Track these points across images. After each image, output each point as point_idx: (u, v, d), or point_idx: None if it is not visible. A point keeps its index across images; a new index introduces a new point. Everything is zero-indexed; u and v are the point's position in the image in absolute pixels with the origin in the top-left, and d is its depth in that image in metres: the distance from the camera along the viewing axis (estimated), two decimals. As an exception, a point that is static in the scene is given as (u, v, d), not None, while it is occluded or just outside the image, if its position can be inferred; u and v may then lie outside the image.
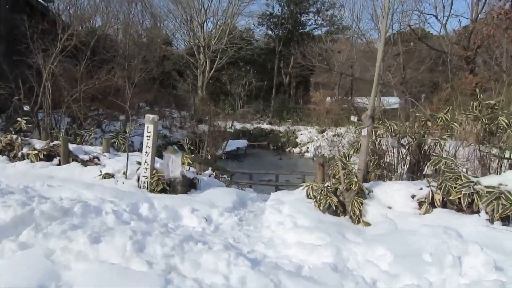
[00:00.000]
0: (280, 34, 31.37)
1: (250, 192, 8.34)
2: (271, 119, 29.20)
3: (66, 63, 8.77)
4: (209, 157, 9.76)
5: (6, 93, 7.99)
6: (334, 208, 5.55)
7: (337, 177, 5.69)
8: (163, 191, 6.33)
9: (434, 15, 18.82)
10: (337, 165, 6.06)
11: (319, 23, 33.49)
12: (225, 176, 9.74)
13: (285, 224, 5.21)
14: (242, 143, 24.65)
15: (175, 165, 6.48)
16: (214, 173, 9.33)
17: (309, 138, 25.90)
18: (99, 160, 7.13)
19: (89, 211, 4.54)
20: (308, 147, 24.97)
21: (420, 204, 5.19)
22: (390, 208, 5.33)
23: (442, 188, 5.13)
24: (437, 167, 5.54)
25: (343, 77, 28.28)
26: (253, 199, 7.28)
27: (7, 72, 8.79)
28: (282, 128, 27.52)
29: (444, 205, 5.15)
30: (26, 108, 8.18)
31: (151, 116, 6.36)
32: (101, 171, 6.47)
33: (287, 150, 26.04)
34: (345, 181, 5.55)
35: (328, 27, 32.38)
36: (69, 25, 9.47)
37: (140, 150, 7.93)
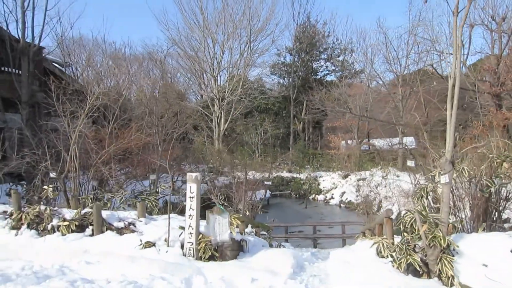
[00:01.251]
0: (293, 81, 31.51)
1: (301, 250, 7.52)
2: (290, 167, 28.52)
3: (93, 124, 8.40)
4: (247, 213, 9.08)
5: (32, 160, 7.52)
6: (418, 268, 4.74)
7: (418, 232, 4.92)
8: (211, 258, 5.59)
9: (451, 54, 18.58)
10: (409, 217, 5.33)
11: (331, 69, 33.85)
12: (265, 233, 8.95)
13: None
14: (264, 193, 23.86)
15: (222, 227, 5.78)
16: (254, 231, 8.60)
17: (332, 184, 25.00)
18: (135, 226, 6.45)
19: (141, 294, 3.83)
20: (332, 194, 24.01)
21: (524, 258, 4.39)
22: (485, 265, 4.51)
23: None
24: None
25: (358, 120, 27.90)
26: (309, 259, 6.48)
27: (30, 138, 8.43)
28: (303, 176, 26.75)
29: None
30: (52, 174, 7.66)
31: (193, 174, 5.76)
32: (141, 240, 5.78)
33: (310, 197, 25.09)
34: (427, 236, 4.79)
35: (341, 72, 32.55)
36: (89, 87, 9.25)
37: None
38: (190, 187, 5.70)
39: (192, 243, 5.62)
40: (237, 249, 5.92)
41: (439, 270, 4.59)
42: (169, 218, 5.91)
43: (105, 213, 6.49)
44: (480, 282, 4.28)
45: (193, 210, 5.67)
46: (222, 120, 28.06)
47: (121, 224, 6.44)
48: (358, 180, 23.27)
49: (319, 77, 33.62)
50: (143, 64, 28.12)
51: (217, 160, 26.48)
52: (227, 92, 27.47)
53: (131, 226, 6.44)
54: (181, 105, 24.94)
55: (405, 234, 5.43)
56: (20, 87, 10.13)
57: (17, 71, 11.41)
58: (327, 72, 34.28)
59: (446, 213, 4.80)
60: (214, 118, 27.99)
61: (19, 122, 10.59)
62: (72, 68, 18.81)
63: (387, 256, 5.22)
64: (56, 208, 6.73)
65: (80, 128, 7.01)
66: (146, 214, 6.98)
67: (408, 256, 4.75)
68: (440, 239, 4.60)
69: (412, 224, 5.27)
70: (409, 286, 4.34)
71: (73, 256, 5.33)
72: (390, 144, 31.88)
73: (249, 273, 4.96)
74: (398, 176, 21.28)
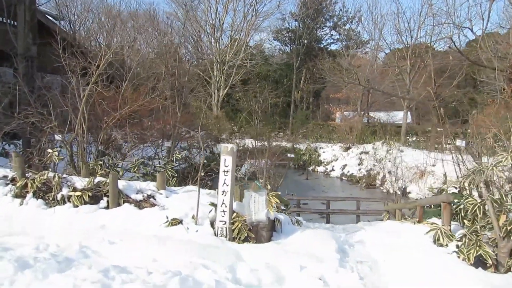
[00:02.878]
0: (297, 49, 30.32)
1: (336, 231, 6.96)
2: (290, 137, 27.92)
3: (108, 83, 7.52)
4: (268, 187, 8.47)
5: (36, 120, 6.68)
6: (490, 261, 4.20)
7: (489, 221, 4.34)
8: (245, 239, 4.99)
9: (469, 28, 17.69)
10: (471, 203, 4.75)
11: (336, 37, 32.64)
12: (285, 208, 8.38)
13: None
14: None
15: (259, 206, 5.14)
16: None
17: (333, 156, 24.55)
18: (155, 199, 5.77)
19: (188, 286, 3.20)
20: (333, 166, 23.59)
21: None
22: None
23: None
24: None
25: (362, 92, 27.16)
26: (347, 241, 5.92)
27: (28, 95, 7.54)
28: (302, 146, 26.21)
29: None
30: (58, 137, 6.85)
31: (229, 145, 5.05)
32: (167, 217, 5.11)
33: (310, 169, 24.65)
34: (501, 227, 4.22)
35: (346, 42, 31.40)
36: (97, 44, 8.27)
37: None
38: (225, 159, 5.00)
39: (225, 222, 4.98)
40: (271, 229, 5.32)
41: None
42: (199, 191, 5.22)
43: (121, 184, 5.77)
44: None
45: (227, 185, 4.99)
46: (222, 85, 27.04)
47: (139, 197, 5.75)
48: (361, 153, 22.85)
49: (323, 45, 32.43)
50: (149, 23, 26.60)
51: (216, 126, 25.70)
52: (228, 55, 26.27)
53: (151, 199, 5.75)
54: (181, 68, 23.82)
55: (466, 222, 4.89)
56: (16, 38, 9.09)
57: (12, 22, 10.33)
58: (331, 40, 33.15)
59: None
60: (213, 82, 26.92)
61: (13, 76, 9.63)
62: (68, 22, 17.49)
63: (446, 245, 4.67)
64: (65, 176, 5.98)
65: (92, 86, 6.13)
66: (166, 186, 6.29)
67: (478, 248, 4.20)
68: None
69: (475, 212, 4.72)
70: (491, 283, 3.78)
71: (90, 233, 4.66)
72: (390, 117, 31.43)
73: (294, 259, 4.37)
74: (402, 151, 20.89)
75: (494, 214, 4.24)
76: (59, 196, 5.54)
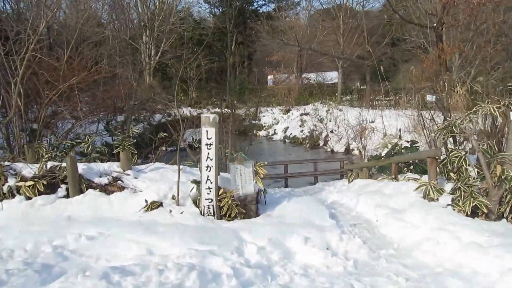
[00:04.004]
0: (229, 12, 29.15)
1: (298, 194, 6.82)
2: (228, 103, 27.37)
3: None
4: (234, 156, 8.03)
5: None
6: (485, 211, 4.28)
7: (481, 173, 4.39)
8: (234, 216, 4.60)
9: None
10: (456, 156, 4.79)
11: (267, -1, 31.86)
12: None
13: (441, 242, 3.84)
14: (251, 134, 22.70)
15: (246, 178, 4.75)
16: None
17: (273, 120, 24.61)
18: (122, 181, 5.10)
19: (208, 280, 2.79)
20: (275, 129, 23.69)
21: None
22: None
23: None
24: None
25: (298, 53, 27.21)
26: (333, 206, 5.80)
27: None
28: (242, 112, 25.87)
29: None
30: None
31: (211, 116, 4.52)
32: (146, 201, 4.51)
33: (250, 134, 24.52)
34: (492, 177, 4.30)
35: (278, 3, 30.82)
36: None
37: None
38: (207, 131, 4.48)
39: (212, 200, 4.54)
40: (257, 202, 4.99)
41: (509, 211, 4.18)
42: (179, 169, 4.67)
43: (79, 166, 4.99)
44: None
45: (211, 160, 4.51)
46: (153, 52, 25.37)
47: (104, 180, 5.04)
48: (301, 114, 23.12)
49: (255, 7, 31.60)
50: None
51: (150, 96, 24.23)
52: (156, 20, 24.50)
53: (118, 182, 5.08)
54: (105, 34, 21.73)
55: (452, 174, 4.94)
56: None
57: None
58: (263, 2, 32.33)
59: (513, 151, 4.32)
60: (143, 50, 25.12)
61: None
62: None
63: (437, 199, 4.71)
64: (7, 163, 5.03)
65: (29, 56, 5.08)
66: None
67: (472, 199, 4.25)
68: (508, 179, 4.13)
69: (461, 164, 4.77)
70: (493, 230, 3.84)
71: (57, 228, 3.94)
72: (322, 78, 32.12)
73: (294, 231, 4.11)
74: (341, 110, 21.49)
75: (485, 165, 4.29)
76: (5, 188, 4.65)
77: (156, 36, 24.42)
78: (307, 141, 20.42)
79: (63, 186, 4.84)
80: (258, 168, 4.91)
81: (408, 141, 9.95)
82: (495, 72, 14.42)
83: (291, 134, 22.11)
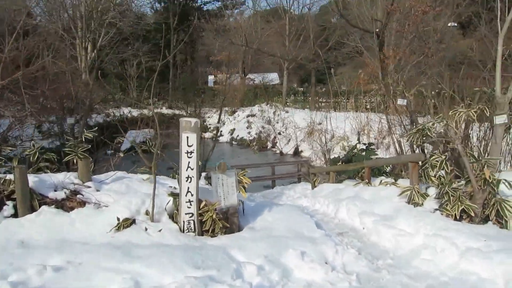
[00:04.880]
0: (173, 8, 28.06)
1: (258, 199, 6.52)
2: (170, 103, 26.41)
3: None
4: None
5: None
6: (473, 214, 4.28)
7: (466, 177, 4.38)
8: (216, 231, 4.16)
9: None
10: (437, 160, 4.80)
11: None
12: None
13: (439, 249, 3.77)
14: (147, 133, 21.55)
15: (228, 189, 4.33)
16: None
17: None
18: (82, 195, 4.42)
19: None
20: (221, 131, 23.21)
21: None
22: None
23: None
24: None
25: (244, 54, 26.99)
26: (311, 213, 5.56)
27: None
28: (185, 112, 25.07)
29: None
30: None
31: (192, 120, 4.04)
32: (118, 219, 3.91)
33: (214, 138, 23.88)
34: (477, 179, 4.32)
35: (222, 2, 30.33)
36: None
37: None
38: (188, 138, 4.00)
39: (193, 214, 4.07)
40: (238, 213, 4.60)
41: (495, 214, 4.21)
42: (154, 180, 4.13)
43: (29, 179, 4.23)
44: None
45: (192, 169, 4.03)
46: (89, 47, 23.60)
47: (60, 194, 4.33)
48: (248, 116, 22.92)
49: (199, 4, 30.81)
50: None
51: (86, 95, 22.53)
52: (94, 13, 22.83)
53: (78, 196, 4.40)
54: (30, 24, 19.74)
55: (433, 178, 4.93)
56: None
57: None
58: (207, 0, 31.62)
59: (497, 154, 4.38)
60: (78, 44, 23.26)
61: None
62: None
63: (422, 204, 4.66)
64: None
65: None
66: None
67: (459, 203, 4.23)
68: (494, 182, 4.17)
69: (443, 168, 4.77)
70: (477, 231, 3.83)
71: (10, 257, 3.24)
72: (264, 79, 32.25)
73: (287, 245, 3.80)
74: (287, 112, 21.62)
75: (470, 169, 4.30)
76: None
77: (94, 29, 22.75)
78: (255, 143, 20.25)
79: (10, 203, 4.07)
80: (241, 177, 4.52)
81: (364, 144, 10.09)
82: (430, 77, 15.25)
83: (238, 136, 21.81)
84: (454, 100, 9.34)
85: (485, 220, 4.35)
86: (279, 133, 19.85)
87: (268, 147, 19.98)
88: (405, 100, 6.02)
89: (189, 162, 4.01)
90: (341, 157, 9.86)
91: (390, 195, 5.04)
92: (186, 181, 4.03)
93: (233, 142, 21.77)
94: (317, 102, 23.50)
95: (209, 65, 32.45)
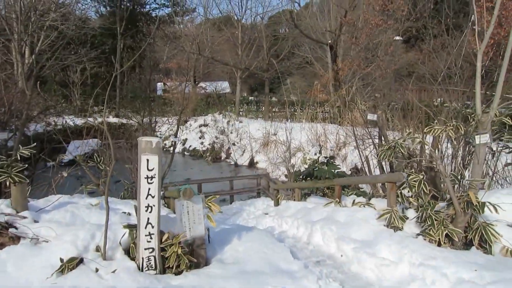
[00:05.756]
0: (120, 13, 26.68)
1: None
2: (118, 111, 25.07)
3: None
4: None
5: None
6: (457, 239, 4.07)
7: (450, 200, 4.18)
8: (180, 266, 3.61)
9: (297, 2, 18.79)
10: (416, 180, 4.60)
11: (161, 2, 30.05)
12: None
13: (429, 281, 3.49)
14: (93, 143, 20.15)
15: (194, 218, 3.80)
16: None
17: (170, 131, 23.14)
18: (16, 228, 3.67)
19: None
20: (172, 141, 22.29)
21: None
22: (511, 226, 4.17)
23: None
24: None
25: (195, 61, 26.33)
26: (280, 237, 5.13)
27: None
28: (135, 121, 23.88)
29: None
30: None
31: (153, 140, 3.46)
32: (62, 260, 3.22)
33: (171, 151, 22.79)
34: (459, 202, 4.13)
35: (174, 8, 29.38)
36: None
37: None
38: (148, 160, 3.42)
39: (153, 249, 3.48)
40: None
41: (479, 238, 4.03)
42: (107, 213, 3.49)
43: None
44: None
45: (153, 197, 3.46)
46: (27, 51, 21.81)
47: (-12, 229, 3.56)
48: (200, 125, 22.25)
49: (147, 9, 29.63)
50: None
51: (23, 103, 20.71)
52: (33, 15, 21.12)
53: (11, 230, 3.64)
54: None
55: (410, 200, 4.72)
56: None
57: None
58: (156, 6, 30.55)
59: (479, 176, 4.22)
60: (14, 47, 21.37)
61: None
62: None
63: (402, 228, 4.40)
64: None
65: None
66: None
67: (443, 227, 4.02)
68: (478, 205, 4.00)
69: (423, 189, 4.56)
70: (476, 263, 3.59)
71: None
72: (215, 89, 31.79)
73: (267, 283, 3.34)
74: (241, 122, 21.24)
75: (453, 191, 4.11)
76: None
77: (32, 32, 21.05)
78: (208, 154, 19.62)
79: None
80: (210, 203, 3.99)
81: (325, 157, 9.91)
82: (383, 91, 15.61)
83: (190, 146, 21.06)
84: (406, 113, 9.41)
85: (467, 244, 4.17)
86: (234, 144, 19.39)
87: (222, 158, 19.43)
88: (376, 115, 5.81)
89: (149, 189, 3.43)
90: (302, 171, 9.60)
91: (366, 217, 4.75)
92: (146, 211, 3.44)
93: (185, 153, 20.96)
94: (271, 112, 23.35)
95: (158, 73, 31.39)
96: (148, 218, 3.45)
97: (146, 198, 3.43)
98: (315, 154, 15.77)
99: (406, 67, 16.34)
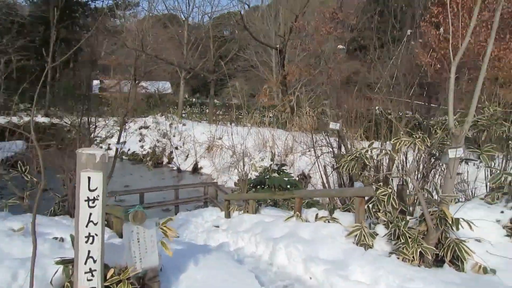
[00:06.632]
0: (54, 2, 24.40)
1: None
2: (47, 110, 23.01)
3: None
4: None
5: None
6: (430, 257, 3.85)
7: (425, 214, 3.95)
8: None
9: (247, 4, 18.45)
10: (385, 194, 4.36)
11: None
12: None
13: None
14: (18, 145, 18.16)
15: (146, 246, 3.18)
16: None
17: (107, 133, 21.62)
18: None
19: None
20: (109, 144, 20.81)
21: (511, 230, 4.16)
22: (479, 241, 4.05)
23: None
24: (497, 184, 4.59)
25: (135, 59, 24.94)
26: (241, 258, 4.62)
27: None
28: (67, 121, 22.01)
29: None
30: None
31: (97, 153, 2.80)
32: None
33: (80, 150, 21.02)
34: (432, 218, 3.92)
35: (113, 0, 27.55)
36: None
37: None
38: (89, 179, 2.74)
39: (95, 288, 2.81)
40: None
41: (452, 256, 3.83)
42: (34, 243, 2.76)
43: None
44: (489, 259, 3.79)
45: (95, 225, 2.79)
46: None
47: None
48: (141, 128, 21.03)
49: (85, 0, 27.50)
50: None
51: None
52: None
53: None
54: None
55: (379, 215, 4.46)
56: None
57: None
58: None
59: (451, 191, 4.04)
60: None
61: None
62: None
63: (372, 245, 4.11)
64: None
65: None
66: None
67: (417, 246, 3.78)
68: (453, 222, 3.81)
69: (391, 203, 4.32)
70: (453, 283, 3.37)
71: None
72: (158, 89, 30.54)
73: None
74: (184, 125, 20.42)
75: (425, 206, 3.88)
76: None
77: None
78: (149, 158, 18.53)
79: None
80: (165, 227, 3.37)
81: (277, 164, 9.57)
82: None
83: (129, 150, 19.78)
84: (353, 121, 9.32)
85: (437, 261, 3.98)
86: (176, 148, 18.50)
87: (164, 163, 18.44)
88: (338, 124, 5.53)
89: (91, 214, 2.76)
90: (253, 179, 9.15)
91: (333, 234, 4.40)
92: (87, 241, 2.76)
93: (124, 157, 19.64)
94: (216, 115, 22.74)
95: (95, 69, 29.40)
96: (89, 251, 2.78)
97: (87, 226, 2.75)
98: (262, 159, 15.49)
99: (352, 76, 16.65)
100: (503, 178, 4.45)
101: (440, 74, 10.12)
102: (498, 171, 4.57)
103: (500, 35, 8.49)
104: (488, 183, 4.89)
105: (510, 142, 4.77)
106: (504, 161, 4.87)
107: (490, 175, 4.91)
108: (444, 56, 9.51)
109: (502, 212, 4.28)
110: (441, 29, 10.25)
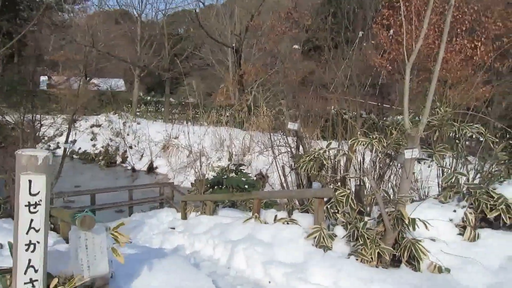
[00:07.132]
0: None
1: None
2: (-9, 106, 21.40)
3: None
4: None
5: None
6: (387, 258, 3.91)
7: (383, 214, 4.00)
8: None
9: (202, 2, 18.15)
10: (344, 195, 4.41)
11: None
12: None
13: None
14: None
15: (95, 252, 2.96)
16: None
17: (56, 131, 20.51)
18: None
19: None
20: (58, 142, 19.75)
21: (463, 228, 4.32)
22: (433, 240, 4.19)
23: (477, 207, 4.43)
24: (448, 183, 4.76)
25: (84, 55, 23.87)
26: (197, 262, 4.46)
27: None
28: (12, 118, 20.63)
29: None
30: None
31: (40, 154, 2.56)
32: None
33: (26, 147, 19.79)
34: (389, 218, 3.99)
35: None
36: None
37: None
38: (30, 182, 2.50)
39: (37, 301, 2.57)
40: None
41: (408, 255, 3.92)
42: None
43: None
44: (443, 258, 3.92)
45: (37, 231, 2.56)
46: None
47: None
48: (92, 126, 20.14)
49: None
50: None
51: None
52: None
53: None
54: None
55: (338, 216, 4.48)
56: None
57: None
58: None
59: (407, 191, 4.13)
60: None
61: None
62: None
63: (331, 247, 4.11)
64: None
65: None
66: None
67: (375, 247, 3.83)
68: (409, 222, 3.90)
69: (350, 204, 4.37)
70: (416, 285, 3.43)
71: None
72: (110, 87, 29.45)
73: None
74: (139, 123, 19.81)
75: (383, 207, 3.94)
76: None
77: None
78: (101, 158, 17.78)
79: None
80: (116, 233, 3.16)
81: (234, 164, 9.48)
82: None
83: (80, 148, 18.88)
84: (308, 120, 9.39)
85: (394, 261, 4.05)
86: (131, 147, 17.88)
87: (118, 163, 17.77)
88: (296, 124, 5.51)
89: (32, 221, 2.52)
90: (210, 179, 9.00)
91: (293, 236, 4.37)
92: (27, 249, 2.52)
93: (74, 156, 18.71)
94: (171, 114, 22.24)
95: (41, 64, 27.82)
96: (30, 260, 2.53)
97: (27, 233, 2.51)
98: (220, 159, 15.32)
99: (308, 75, 16.89)
100: (454, 178, 4.64)
101: (392, 75, 10.48)
102: (449, 171, 4.74)
103: (447, 38, 8.89)
104: (440, 182, 5.07)
105: (458, 142, 4.96)
106: (454, 160, 5.06)
107: (442, 174, 5.09)
108: (395, 58, 9.86)
109: (454, 211, 4.43)
110: (391, 31, 10.63)
